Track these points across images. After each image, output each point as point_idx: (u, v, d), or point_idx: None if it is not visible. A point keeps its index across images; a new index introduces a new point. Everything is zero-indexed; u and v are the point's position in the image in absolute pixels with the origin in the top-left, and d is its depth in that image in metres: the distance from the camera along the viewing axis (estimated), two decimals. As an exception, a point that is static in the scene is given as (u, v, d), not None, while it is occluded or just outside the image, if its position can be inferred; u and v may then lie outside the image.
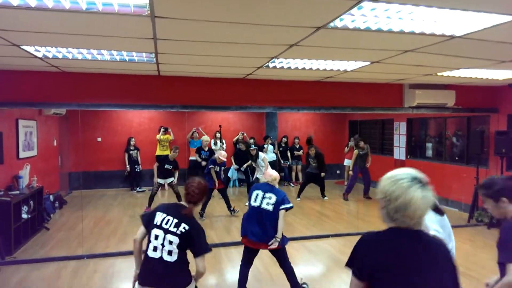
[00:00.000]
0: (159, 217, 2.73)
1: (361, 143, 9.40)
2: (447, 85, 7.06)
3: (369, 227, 6.89)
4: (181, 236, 2.64)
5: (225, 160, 7.83)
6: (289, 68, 5.10)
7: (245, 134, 11.14)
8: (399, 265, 1.59)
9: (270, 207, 3.92)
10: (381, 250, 1.63)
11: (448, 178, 8.31)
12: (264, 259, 5.34)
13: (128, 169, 10.44)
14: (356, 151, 9.42)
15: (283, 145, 11.35)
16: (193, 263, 2.71)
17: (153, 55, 4.35)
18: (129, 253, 5.54)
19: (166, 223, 2.69)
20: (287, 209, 3.96)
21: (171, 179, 8.08)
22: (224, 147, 10.87)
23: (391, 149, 10.58)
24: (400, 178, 1.63)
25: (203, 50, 4.10)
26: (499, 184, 2.29)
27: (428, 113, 7.36)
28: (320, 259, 5.48)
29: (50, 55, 4.34)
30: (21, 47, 3.93)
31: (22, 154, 6.90)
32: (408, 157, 9.88)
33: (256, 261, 5.24)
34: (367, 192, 9.47)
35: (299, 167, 11.41)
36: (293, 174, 11.46)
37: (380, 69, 5.19)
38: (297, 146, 11.37)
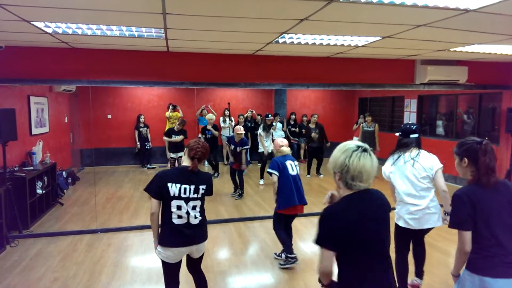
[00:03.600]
0: (174, 188, 2.82)
1: (368, 118, 9.36)
2: (459, 61, 6.94)
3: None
4: (202, 197, 2.95)
5: (242, 136, 7.31)
6: (299, 43, 5.05)
7: (254, 112, 11.13)
8: (360, 226, 1.84)
9: (297, 171, 4.41)
10: (343, 218, 1.85)
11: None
12: (273, 234, 5.45)
13: (139, 146, 10.56)
14: (361, 126, 9.39)
15: (292, 122, 11.33)
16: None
17: (162, 31, 4.33)
18: (142, 227, 5.69)
19: (185, 193, 2.83)
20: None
21: (181, 153, 8.14)
22: (233, 125, 10.89)
23: (401, 127, 10.49)
24: (350, 150, 1.88)
25: (212, 25, 4.07)
26: (467, 145, 2.34)
27: (439, 89, 7.26)
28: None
29: (59, 31, 4.34)
30: (31, 22, 3.94)
31: (35, 131, 7.01)
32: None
33: (264, 235, 5.35)
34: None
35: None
36: (302, 152, 11.48)
37: (392, 44, 5.11)
38: (306, 124, 11.34)
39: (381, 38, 4.71)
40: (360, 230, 1.85)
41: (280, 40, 4.87)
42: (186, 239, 2.88)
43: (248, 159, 7.80)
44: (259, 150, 9.02)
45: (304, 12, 3.53)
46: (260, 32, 4.43)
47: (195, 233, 2.91)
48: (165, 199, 2.84)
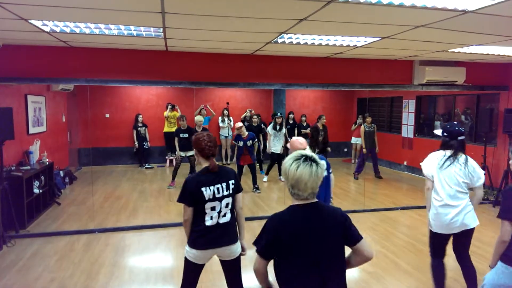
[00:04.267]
0: (208, 192, 2.76)
1: (368, 119, 9.36)
2: (457, 62, 6.95)
3: (375, 205, 6.95)
4: (232, 193, 2.87)
5: (245, 132, 7.68)
6: (298, 43, 5.04)
7: (252, 111, 11.11)
8: (294, 236, 1.87)
9: (325, 172, 4.12)
10: (281, 228, 1.91)
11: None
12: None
13: (137, 145, 10.53)
14: (362, 127, 9.40)
15: (291, 122, 11.33)
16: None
17: (161, 30, 4.32)
18: (140, 227, 5.68)
19: (219, 192, 2.80)
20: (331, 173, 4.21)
21: (192, 152, 8.13)
22: (232, 125, 10.89)
23: (399, 127, 10.53)
24: (292, 159, 1.90)
25: (211, 25, 4.06)
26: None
27: (437, 90, 7.28)
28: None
29: (57, 30, 4.33)
30: (29, 21, 3.92)
31: (32, 130, 6.98)
32: (416, 135, 9.84)
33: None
34: (376, 171, 9.47)
35: (306, 145, 11.41)
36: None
37: (391, 45, 5.12)
38: (304, 124, 11.33)
39: (379, 38, 4.71)
40: (296, 244, 1.87)
41: (279, 40, 4.87)
42: (215, 241, 2.82)
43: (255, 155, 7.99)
44: (272, 150, 8.95)
45: (303, 12, 3.52)
46: (259, 32, 4.43)
47: (225, 234, 2.84)
48: (199, 204, 2.79)
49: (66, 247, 4.97)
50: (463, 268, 3.45)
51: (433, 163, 3.36)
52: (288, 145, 4.18)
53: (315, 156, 1.94)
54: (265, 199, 7.28)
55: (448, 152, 3.32)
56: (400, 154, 10.40)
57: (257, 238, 1.99)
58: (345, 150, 12.37)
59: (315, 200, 1.93)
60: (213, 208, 2.80)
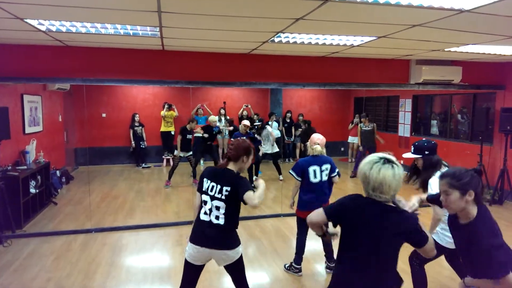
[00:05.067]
0: (206, 183, 2.86)
1: (364, 118, 9.36)
2: (453, 61, 6.98)
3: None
4: (225, 200, 2.77)
5: (249, 130, 7.78)
6: (294, 43, 5.04)
7: (249, 106, 11.09)
8: (355, 216, 1.99)
9: (327, 177, 4.14)
10: (346, 203, 2.06)
11: (452, 155, 8.31)
12: (269, 234, 5.45)
13: (134, 145, 10.51)
14: (358, 126, 9.41)
15: (288, 120, 11.34)
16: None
17: (157, 29, 4.31)
18: (137, 227, 5.68)
19: (212, 190, 2.82)
20: (339, 175, 4.23)
21: (190, 152, 8.29)
22: (229, 124, 10.88)
23: (395, 126, 10.56)
24: (371, 163, 1.97)
25: (208, 24, 4.06)
26: (468, 177, 2.12)
27: (434, 89, 7.30)
28: (323, 233, 5.59)
29: (53, 29, 4.31)
30: (25, 20, 3.90)
31: (28, 130, 6.95)
32: (413, 134, 9.87)
33: (260, 235, 5.35)
34: None
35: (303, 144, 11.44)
36: (297, 151, 11.49)
37: (387, 44, 5.13)
38: (301, 123, 11.36)
39: (376, 38, 4.72)
40: (355, 223, 1.99)
41: (276, 40, 4.87)
42: (205, 239, 2.79)
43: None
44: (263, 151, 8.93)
45: (299, 12, 3.52)
46: (256, 31, 4.43)
47: (215, 236, 2.77)
48: (200, 191, 2.91)
49: (63, 247, 4.96)
50: (462, 272, 3.43)
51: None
52: (308, 142, 4.25)
53: (393, 158, 2.00)
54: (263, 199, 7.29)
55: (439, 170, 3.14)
56: (397, 153, 10.33)
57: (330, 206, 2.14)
58: (342, 149, 12.40)
59: (391, 203, 2.00)
60: (205, 203, 2.84)
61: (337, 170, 4.24)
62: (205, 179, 2.88)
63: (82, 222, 5.91)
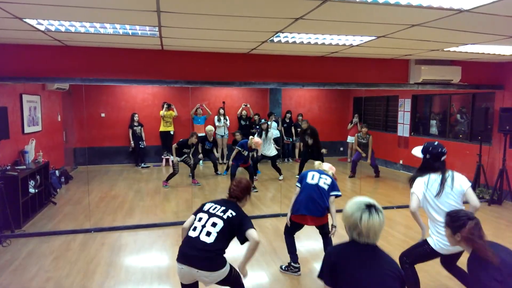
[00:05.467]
0: (207, 206, 2.95)
1: (363, 129, 9.27)
2: (453, 61, 6.98)
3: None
4: (226, 220, 2.80)
5: (257, 148, 7.75)
6: (294, 42, 5.05)
7: (248, 106, 11.08)
8: (349, 269, 2.00)
9: (326, 187, 4.09)
10: (339, 258, 2.07)
11: (451, 155, 8.27)
12: (268, 233, 5.45)
13: (133, 145, 10.50)
14: (355, 137, 9.39)
15: (287, 120, 11.33)
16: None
17: (157, 29, 4.31)
18: (136, 227, 5.68)
19: (214, 209, 2.88)
20: (337, 196, 4.13)
21: (185, 155, 8.36)
22: (228, 124, 10.88)
23: (395, 126, 10.56)
24: (359, 210, 2.05)
25: (207, 24, 4.05)
26: (461, 221, 2.42)
27: (433, 89, 7.31)
28: (323, 233, 5.58)
29: (52, 29, 4.30)
30: (24, 20, 3.90)
31: (27, 129, 6.94)
32: (412, 134, 9.87)
33: (260, 235, 5.34)
34: (376, 172, 9.47)
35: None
36: (296, 151, 11.49)
37: (386, 44, 5.13)
38: (301, 123, 11.35)
39: (375, 37, 4.72)
40: (346, 272, 2.00)
41: (275, 39, 4.87)
42: (188, 257, 2.72)
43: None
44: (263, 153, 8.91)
45: (299, 11, 3.52)
46: (255, 31, 4.43)
47: (198, 255, 2.68)
48: (195, 214, 2.96)
49: (62, 246, 4.95)
50: (457, 275, 3.42)
51: (420, 188, 3.23)
52: (317, 164, 4.33)
53: (375, 202, 2.10)
54: (261, 198, 7.29)
55: (435, 176, 3.21)
56: (396, 153, 10.43)
57: (320, 270, 2.16)
58: (341, 149, 12.39)
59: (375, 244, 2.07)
60: (200, 219, 2.85)
61: (338, 192, 4.14)
62: (208, 203, 2.97)
63: (81, 222, 5.90)
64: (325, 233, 4.20)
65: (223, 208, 2.87)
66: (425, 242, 3.32)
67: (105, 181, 8.82)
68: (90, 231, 5.50)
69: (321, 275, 2.13)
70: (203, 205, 3.00)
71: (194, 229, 2.81)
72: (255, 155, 8.30)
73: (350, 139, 11.03)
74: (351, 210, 2.08)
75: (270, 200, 7.27)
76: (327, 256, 2.17)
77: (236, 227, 2.80)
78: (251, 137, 7.80)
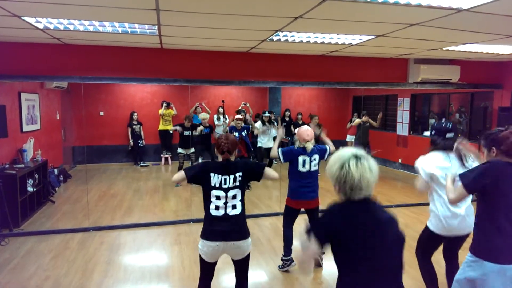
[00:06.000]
0: (215, 179, 2.87)
1: (364, 117, 9.38)
2: (451, 60, 6.98)
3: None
4: (239, 185, 2.89)
5: (243, 124, 7.78)
6: (293, 41, 5.04)
7: (247, 105, 11.06)
8: (351, 231, 1.79)
9: (316, 167, 4.13)
10: (336, 220, 1.83)
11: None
12: (267, 232, 5.45)
13: (132, 143, 10.49)
14: (358, 120, 9.43)
15: (287, 119, 11.32)
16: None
17: (156, 27, 4.30)
18: (135, 225, 5.67)
19: (225, 183, 2.86)
20: (330, 153, 4.12)
21: (192, 150, 8.32)
22: (227, 122, 10.85)
23: (394, 125, 10.57)
24: (343, 161, 1.82)
25: (206, 22, 4.05)
26: (494, 135, 2.49)
27: (432, 88, 7.31)
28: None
29: (51, 27, 4.29)
30: (22, 18, 3.88)
31: (26, 128, 6.93)
32: (411, 133, 9.88)
33: (258, 233, 5.35)
34: None
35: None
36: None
37: (385, 43, 5.13)
38: (300, 122, 11.33)
39: (375, 36, 4.72)
40: (352, 239, 1.79)
41: (275, 38, 4.86)
42: (222, 233, 2.81)
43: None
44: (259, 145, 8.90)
45: (298, 10, 3.52)
46: (255, 30, 4.42)
47: (232, 228, 2.83)
48: (205, 189, 2.89)
49: (61, 245, 4.94)
50: (451, 265, 3.38)
51: (431, 161, 3.15)
52: (296, 137, 4.18)
53: (360, 151, 1.86)
54: (261, 197, 7.29)
55: (448, 154, 3.11)
56: (395, 152, 10.44)
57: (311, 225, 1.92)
58: (340, 148, 12.39)
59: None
60: (218, 198, 2.85)
61: (328, 149, 4.18)
62: (212, 174, 2.87)
63: (80, 220, 5.89)
64: (314, 219, 4.26)
65: (231, 177, 2.87)
66: (425, 227, 3.34)
67: (104, 180, 8.81)
68: (88, 230, 5.49)
69: (318, 236, 1.81)
70: (208, 174, 2.85)
71: (217, 208, 2.84)
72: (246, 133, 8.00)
73: (350, 138, 11.02)
74: (337, 161, 1.85)
75: (269, 199, 7.27)
76: (326, 221, 1.89)
77: (251, 175, 2.97)
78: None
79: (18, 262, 4.41)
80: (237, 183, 2.87)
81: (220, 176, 2.87)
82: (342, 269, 1.86)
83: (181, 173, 2.91)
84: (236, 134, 7.57)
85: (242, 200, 2.91)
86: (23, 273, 4.13)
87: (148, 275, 4.14)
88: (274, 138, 9.52)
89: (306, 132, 4.06)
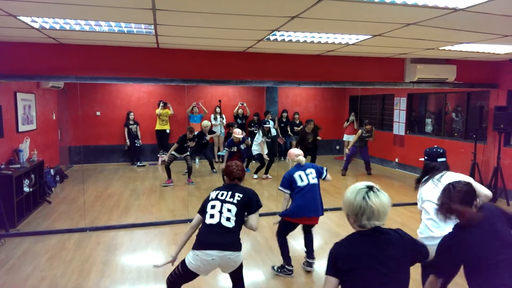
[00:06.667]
0: (214, 193, 3.02)
1: (368, 126, 9.34)
2: (448, 60, 7.01)
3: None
4: (237, 203, 2.94)
5: (241, 136, 8.04)
6: (290, 41, 5.04)
7: (244, 105, 11.07)
8: (361, 262, 1.88)
9: (316, 180, 4.12)
10: (347, 253, 1.93)
11: (446, 153, 8.35)
12: (264, 232, 5.45)
13: (128, 143, 10.46)
14: (359, 132, 9.39)
15: (284, 120, 11.34)
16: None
17: (152, 27, 4.29)
18: (132, 225, 5.66)
19: (221, 196, 2.96)
20: (326, 172, 4.26)
21: (187, 153, 8.37)
22: (224, 122, 10.86)
23: (390, 125, 10.60)
24: (363, 191, 1.92)
25: (203, 22, 4.04)
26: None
27: (429, 88, 7.34)
28: (319, 231, 5.58)
29: (47, 26, 4.27)
30: (18, 17, 3.86)
31: (22, 128, 6.89)
32: (408, 132, 9.91)
33: (255, 233, 5.34)
34: (368, 168, 9.53)
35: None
36: (292, 149, 11.49)
37: (382, 42, 5.14)
38: (297, 122, 11.36)
39: (371, 36, 4.73)
40: (361, 266, 1.88)
41: (272, 38, 4.86)
42: (215, 242, 2.81)
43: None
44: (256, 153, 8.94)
45: (295, 10, 3.52)
46: (251, 29, 4.42)
47: (225, 239, 2.83)
48: (204, 207, 2.99)
49: (57, 245, 4.93)
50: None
51: (429, 189, 3.15)
52: (288, 158, 4.30)
53: (371, 183, 1.98)
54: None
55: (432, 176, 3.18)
56: (392, 151, 10.47)
57: (327, 267, 1.99)
58: (337, 147, 12.42)
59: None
60: (213, 207, 2.92)
61: (325, 169, 4.27)
62: (213, 192, 3.04)
63: (77, 221, 5.87)
64: (310, 230, 4.31)
65: (230, 193, 2.98)
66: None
67: (101, 180, 8.79)
68: (85, 230, 5.47)
69: (329, 273, 1.94)
70: (209, 195, 3.06)
71: (212, 216, 2.89)
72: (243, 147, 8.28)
73: (346, 137, 11.05)
74: (353, 195, 1.93)
75: (266, 198, 7.27)
76: (334, 254, 1.98)
77: (247, 207, 3.01)
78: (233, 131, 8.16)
79: (14, 263, 4.39)
80: (234, 201, 2.93)
81: (218, 190, 3.02)
82: None
83: (196, 217, 3.05)
84: (235, 148, 7.99)
85: (237, 217, 2.91)
86: (20, 274, 4.11)
87: (145, 275, 4.13)
88: (272, 139, 9.65)
89: (294, 151, 4.28)
